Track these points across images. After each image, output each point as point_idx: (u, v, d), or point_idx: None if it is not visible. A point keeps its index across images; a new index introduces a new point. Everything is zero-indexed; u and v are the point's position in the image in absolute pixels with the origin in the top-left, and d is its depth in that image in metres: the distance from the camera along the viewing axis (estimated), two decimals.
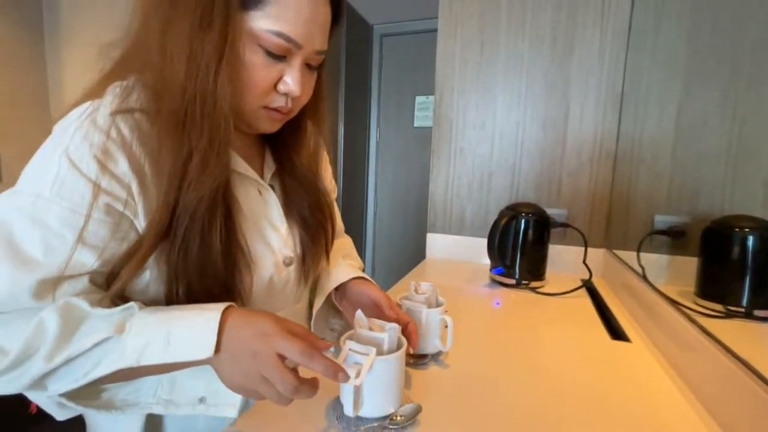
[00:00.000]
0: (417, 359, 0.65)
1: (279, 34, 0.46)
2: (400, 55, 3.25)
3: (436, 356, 0.67)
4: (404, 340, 0.52)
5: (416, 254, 1.44)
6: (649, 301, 0.84)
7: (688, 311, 0.71)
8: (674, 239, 1.02)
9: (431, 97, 1.29)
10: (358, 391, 0.47)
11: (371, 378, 0.47)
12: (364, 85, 3.22)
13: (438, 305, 0.68)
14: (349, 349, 0.48)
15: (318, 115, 0.63)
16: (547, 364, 0.68)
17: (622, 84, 1.22)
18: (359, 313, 0.52)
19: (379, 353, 0.48)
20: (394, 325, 0.51)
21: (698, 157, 0.92)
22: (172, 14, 0.43)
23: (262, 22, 0.45)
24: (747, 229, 0.76)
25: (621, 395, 0.60)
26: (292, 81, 0.49)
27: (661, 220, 1.08)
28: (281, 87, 0.50)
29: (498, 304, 0.98)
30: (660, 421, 0.54)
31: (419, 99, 3.22)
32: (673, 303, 0.75)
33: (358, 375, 0.45)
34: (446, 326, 0.65)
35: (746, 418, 0.49)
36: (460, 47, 1.35)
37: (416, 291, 0.69)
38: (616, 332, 0.82)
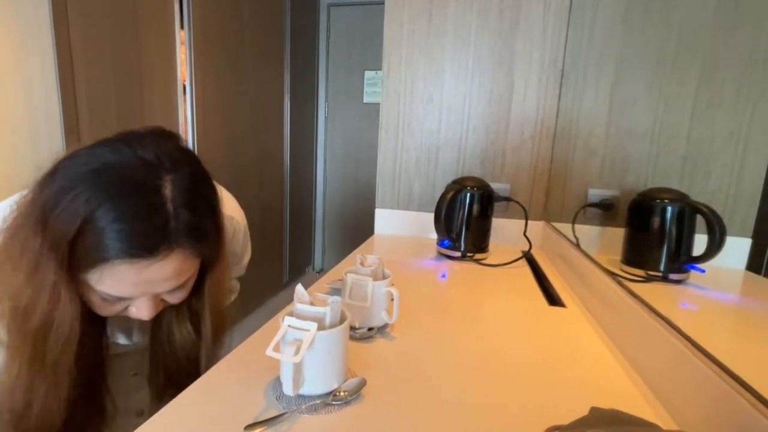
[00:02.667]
0: (362, 333, 0.64)
1: (104, 293, 0.48)
2: (348, 27, 3.13)
3: (382, 329, 0.66)
4: (348, 314, 0.50)
5: (368, 231, 1.42)
6: (582, 269, 0.89)
7: (615, 276, 0.76)
8: (605, 211, 1.09)
9: (381, 72, 1.25)
10: (298, 368, 0.44)
11: (312, 354, 0.45)
12: (311, 57, 3.08)
13: (384, 278, 0.66)
14: (288, 326, 0.45)
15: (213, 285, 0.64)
16: (490, 332, 0.70)
17: (563, 61, 1.25)
18: (299, 287, 0.49)
19: (321, 328, 0.46)
20: (337, 298, 0.49)
21: (628, 134, 0.97)
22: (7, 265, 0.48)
23: (89, 279, 0.47)
24: (666, 200, 0.82)
25: (558, 357, 0.63)
26: (139, 312, 0.52)
27: (594, 194, 1.14)
28: (132, 312, 0.52)
29: (444, 276, 0.99)
30: (592, 379, 0.58)
31: (368, 74, 3.15)
32: (603, 269, 0.80)
33: (297, 352, 0.43)
34: (392, 299, 0.64)
35: (667, 371, 0.53)
36: (407, 17, 1.31)
37: (362, 264, 0.67)
38: (552, 299, 0.86)
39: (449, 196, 1.07)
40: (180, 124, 1.80)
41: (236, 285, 0.89)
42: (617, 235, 0.93)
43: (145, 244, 0.45)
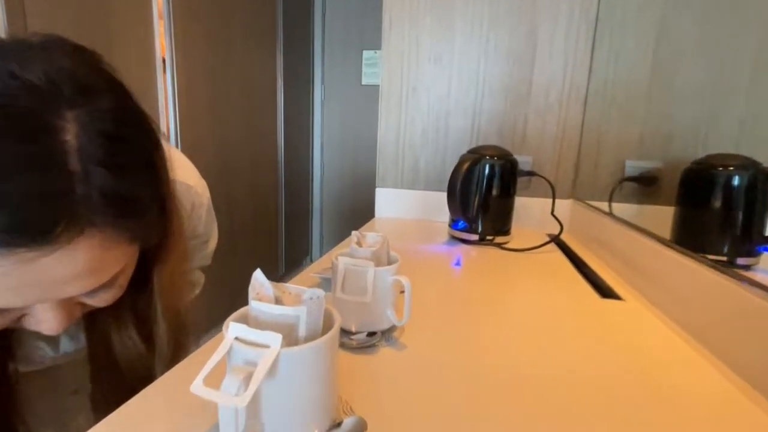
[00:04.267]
0: (361, 340, 0.46)
1: None
2: (345, 3, 2.92)
3: (387, 333, 0.48)
4: (337, 316, 0.32)
5: (369, 219, 1.24)
6: (637, 252, 0.71)
7: (702, 258, 0.58)
8: (645, 186, 0.91)
9: (380, 52, 1.05)
10: (251, 412, 0.26)
11: (275, 387, 0.27)
12: (305, 36, 2.87)
13: (390, 263, 0.48)
14: (235, 338, 0.27)
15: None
16: (534, 335, 0.52)
17: (597, 8, 1.06)
18: (257, 274, 0.31)
19: (292, 342, 0.28)
20: (319, 292, 0.30)
21: (674, 94, 0.79)
22: None
23: None
24: (732, 168, 0.65)
25: (634, 363, 0.45)
26: (38, 324, 0.36)
27: (633, 166, 0.96)
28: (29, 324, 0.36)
29: (458, 263, 0.81)
30: (686, 386, 0.40)
31: (367, 54, 2.94)
32: (680, 251, 0.62)
33: (246, 388, 0.25)
34: (402, 291, 0.46)
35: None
36: None
37: (359, 244, 0.49)
38: (603, 290, 0.68)
39: (465, 167, 0.89)
40: (160, 103, 1.61)
41: (200, 277, 0.71)
42: (661, 214, 0.76)
43: (31, 225, 0.28)
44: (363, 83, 2.97)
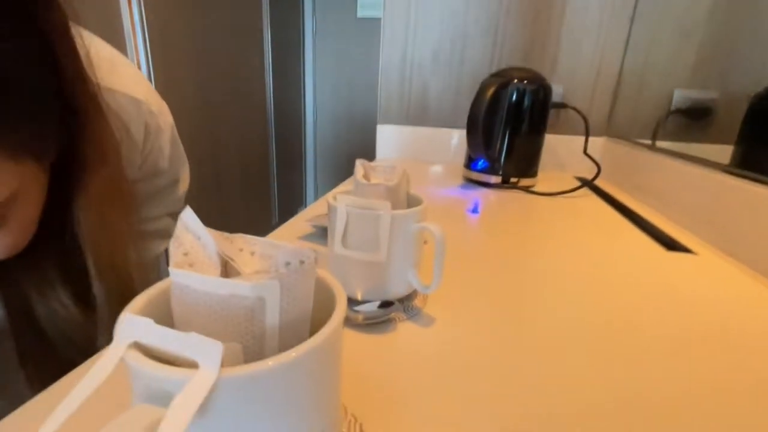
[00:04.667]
0: (370, 313, 0.32)
1: None
2: None
3: (408, 303, 0.35)
4: (338, 290, 0.18)
5: None
6: (700, 198, 0.57)
7: None
8: (695, 120, 0.76)
9: None
10: None
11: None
12: None
13: (413, 204, 0.34)
14: (134, 346, 0.13)
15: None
16: (590, 296, 0.39)
17: None
18: (187, 215, 0.16)
19: (251, 347, 0.14)
20: (306, 252, 0.16)
21: (746, 8, 0.63)
22: None
23: None
24: None
25: (712, 321, 0.33)
26: None
27: (683, 97, 0.80)
28: None
29: (476, 210, 0.67)
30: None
31: None
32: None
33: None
34: (426, 243, 0.32)
35: None
36: None
37: (366, 177, 0.34)
38: (664, 241, 0.55)
39: (491, 92, 0.72)
40: (126, 32, 1.37)
41: (170, 226, 0.57)
42: (714, 154, 0.61)
43: None
44: (359, 16, 2.66)
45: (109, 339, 0.19)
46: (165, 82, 1.51)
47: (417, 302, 0.35)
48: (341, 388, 0.19)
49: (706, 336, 0.33)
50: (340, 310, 0.16)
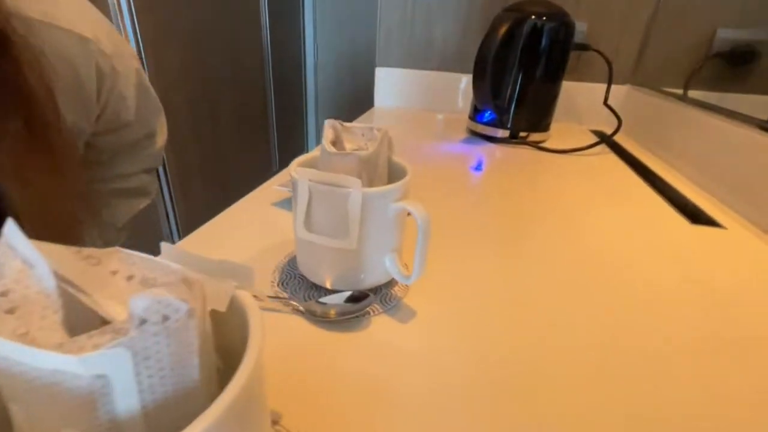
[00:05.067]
0: (341, 308, 0.28)
1: None
2: None
3: (385, 293, 0.30)
4: (255, 333, 0.13)
5: (371, 106, 0.99)
6: (741, 163, 0.49)
7: None
8: (737, 66, 0.66)
9: None
10: None
11: None
12: None
13: (393, 178, 0.28)
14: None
15: None
16: (605, 278, 0.34)
17: None
18: (11, 230, 0.11)
19: None
20: (172, 305, 0.10)
21: None
22: None
23: None
24: None
25: (743, 306, 0.28)
26: None
27: (726, 36, 0.69)
28: None
29: (479, 168, 0.61)
30: None
31: None
32: None
33: None
34: (410, 214, 0.26)
35: None
36: None
37: (338, 144, 0.28)
38: (689, 212, 0.49)
39: (503, 31, 0.62)
40: None
41: (148, 183, 0.53)
42: (754, 106, 0.53)
43: None
44: None
45: None
46: (154, 24, 1.38)
47: (397, 290, 0.30)
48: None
49: (726, 322, 0.28)
50: (246, 369, 0.11)
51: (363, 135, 0.29)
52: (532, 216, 0.47)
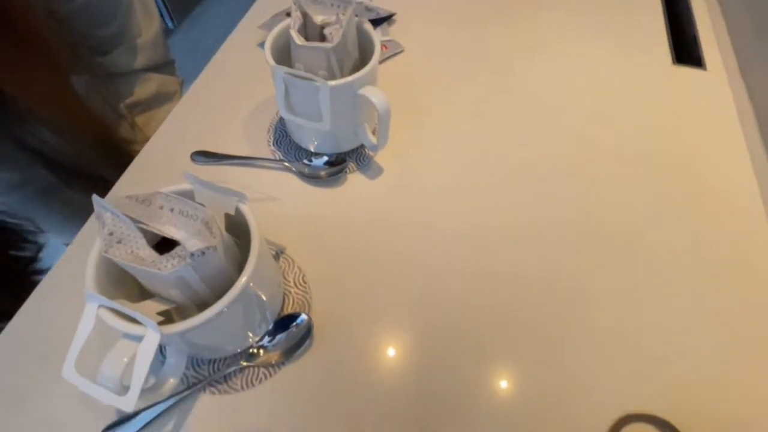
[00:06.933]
0: (320, 170, 0.36)
1: None
2: None
3: (360, 150, 0.37)
4: (254, 236, 0.22)
5: None
6: None
7: None
8: None
9: None
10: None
11: (176, 355, 0.22)
12: None
13: (366, 47, 0.31)
14: (101, 309, 0.19)
15: None
16: (566, 116, 0.40)
17: None
18: (97, 198, 0.19)
19: (195, 300, 0.20)
20: (204, 245, 0.19)
21: None
22: None
23: None
24: None
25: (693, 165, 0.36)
26: None
27: None
28: None
29: None
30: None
31: None
32: None
33: (131, 373, 0.19)
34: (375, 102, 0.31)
35: None
36: None
37: (303, 32, 0.29)
38: (682, 50, 0.47)
39: None
40: None
41: (170, 83, 0.51)
42: None
43: None
44: None
45: None
46: None
47: (368, 150, 0.37)
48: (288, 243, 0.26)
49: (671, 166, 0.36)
50: (249, 265, 0.21)
51: (332, 5, 0.30)
52: (504, 45, 0.47)
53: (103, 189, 0.34)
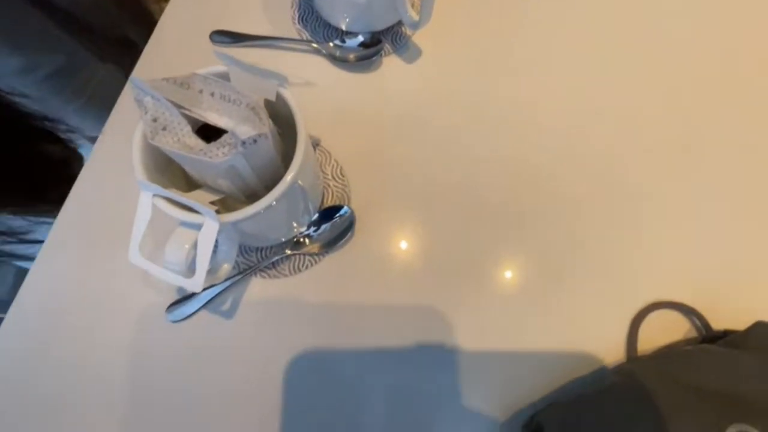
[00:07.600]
0: (354, 51, 0.32)
1: None
2: None
3: (396, 34, 0.33)
4: (300, 126, 0.21)
5: None
6: None
7: None
8: None
9: None
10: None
11: (229, 243, 0.22)
12: None
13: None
14: (156, 198, 0.19)
15: None
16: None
17: None
18: (137, 80, 0.17)
19: (244, 190, 0.20)
20: (256, 130, 0.18)
21: None
22: None
23: None
24: None
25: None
26: None
27: None
28: None
29: None
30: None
31: None
32: None
33: (190, 261, 0.20)
34: None
35: None
36: None
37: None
38: None
39: None
40: None
41: None
42: None
43: None
44: None
45: None
46: None
47: (408, 32, 0.33)
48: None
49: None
50: (298, 158, 0.20)
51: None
52: None
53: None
